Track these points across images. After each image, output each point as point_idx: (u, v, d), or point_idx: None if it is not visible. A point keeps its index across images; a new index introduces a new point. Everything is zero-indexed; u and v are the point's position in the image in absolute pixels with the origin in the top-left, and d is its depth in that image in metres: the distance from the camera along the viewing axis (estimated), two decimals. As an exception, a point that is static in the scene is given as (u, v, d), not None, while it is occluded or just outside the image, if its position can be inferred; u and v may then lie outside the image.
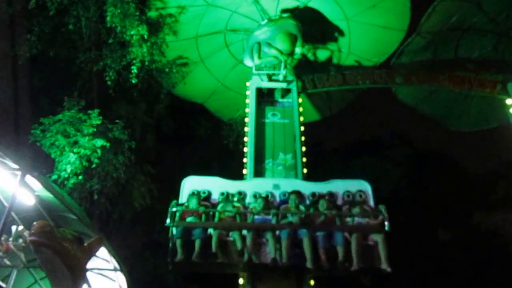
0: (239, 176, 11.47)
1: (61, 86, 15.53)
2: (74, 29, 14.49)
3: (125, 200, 15.67)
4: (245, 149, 11.21)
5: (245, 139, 11.51)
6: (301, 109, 12.32)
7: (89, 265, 8.91)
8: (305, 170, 11.09)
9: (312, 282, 9.10)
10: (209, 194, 9.51)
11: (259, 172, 11.15)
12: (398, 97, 16.64)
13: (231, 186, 9.75)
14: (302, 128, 11.85)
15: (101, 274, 11.23)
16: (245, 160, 11.12)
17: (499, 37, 14.84)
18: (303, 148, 11.22)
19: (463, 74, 14.54)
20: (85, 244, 3.54)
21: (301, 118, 12.07)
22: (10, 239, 8.35)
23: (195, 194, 9.19)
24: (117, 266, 10.42)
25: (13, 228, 8.38)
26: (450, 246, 22.41)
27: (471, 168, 24.95)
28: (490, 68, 14.71)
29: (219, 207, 8.98)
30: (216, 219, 8.68)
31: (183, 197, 9.39)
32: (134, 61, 13.42)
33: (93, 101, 15.55)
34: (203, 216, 8.64)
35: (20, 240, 8.41)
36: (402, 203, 21.25)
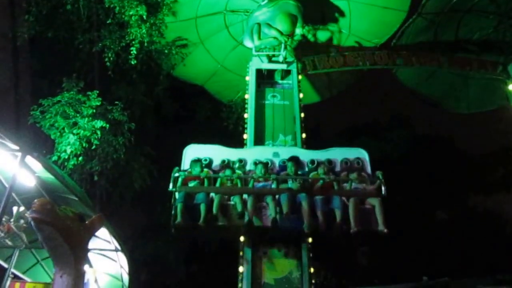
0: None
1: (60, 67, 15.45)
2: (72, 9, 14.36)
3: (125, 182, 15.72)
4: (245, 131, 11.20)
5: (245, 120, 11.50)
6: (301, 94, 12.26)
7: (90, 245, 9.03)
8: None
9: (310, 240, 9.34)
10: (210, 161, 9.66)
11: (259, 152, 11.16)
12: (398, 78, 16.60)
13: (231, 153, 9.91)
14: (302, 112, 11.81)
15: (102, 255, 11.36)
16: (245, 136, 11.11)
17: (500, 18, 14.73)
18: (303, 131, 11.23)
19: (463, 56, 14.48)
20: (86, 222, 3.54)
21: (301, 100, 12.04)
22: (11, 219, 8.43)
23: (197, 161, 9.35)
24: (118, 247, 10.52)
25: (14, 209, 8.45)
26: (447, 226, 22.71)
27: (470, 150, 25.11)
28: (491, 49, 14.64)
29: (220, 173, 9.16)
30: (217, 185, 8.88)
31: (185, 165, 9.52)
32: (133, 42, 13.33)
33: (92, 83, 15.51)
34: (205, 181, 8.85)
35: (22, 221, 8.48)
36: (400, 184, 21.43)
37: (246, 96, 11.94)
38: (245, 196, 8.66)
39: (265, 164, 9.39)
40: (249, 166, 9.69)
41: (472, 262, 20.06)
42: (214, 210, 8.32)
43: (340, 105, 21.77)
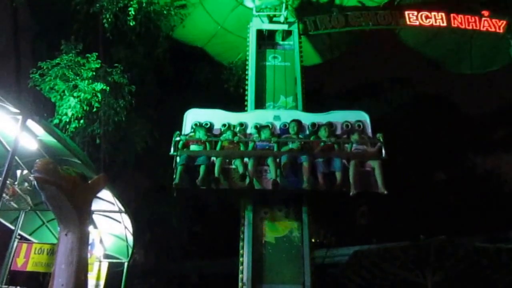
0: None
1: (58, 30, 15.24)
2: (67, -32, 14.06)
3: (127, 144, 15.81)
4: (246, 93, 11.17)
5: (246, 82, 11.43)
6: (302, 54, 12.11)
7: (95, 207, 9.16)
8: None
9: (310, 200, 9.55)
10: (211, 125, 9.73)
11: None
12: (401, 39, 16.36)
13: (232, 117, 9.95)
14: (303, 72, 11.72)
15: (107, 216, 11.55)
16: (246, 100, 11.10)
17: (507, -25, 14.39)
18: (304, 92, 11.19)
19: (468, 14, 14.19)
20: (89, 182, 3.57)
21: (302, 61, 11.92)
22: (16, 183, 8.55)
23: (201, 126, 9.43)
24: (122, 208, 10.68)
25: (18, 172, 8.55)
26: (446, 186, 22.92)
27: (470, 111, 25.09)
28: (495, 7, 14.33)
29: (222, 137, 9.22)
30: (218, 148, 8.97)
31: (186, 129, 9.63)
32: (131, 3, 13.09)
33: (91, 45, 15.31)
34: (207, 145, 8.94)
35: (26, 184, 8.61)
36: (400, 145, 21.52)
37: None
38: (245, 159, 8.75)
39: (268, 127, 9.42)
40: (249, 130, 9.74)
41: (470, 221, 20.36)
42: (216, 173, 8.44)
43: (342, 66, 21.53)
